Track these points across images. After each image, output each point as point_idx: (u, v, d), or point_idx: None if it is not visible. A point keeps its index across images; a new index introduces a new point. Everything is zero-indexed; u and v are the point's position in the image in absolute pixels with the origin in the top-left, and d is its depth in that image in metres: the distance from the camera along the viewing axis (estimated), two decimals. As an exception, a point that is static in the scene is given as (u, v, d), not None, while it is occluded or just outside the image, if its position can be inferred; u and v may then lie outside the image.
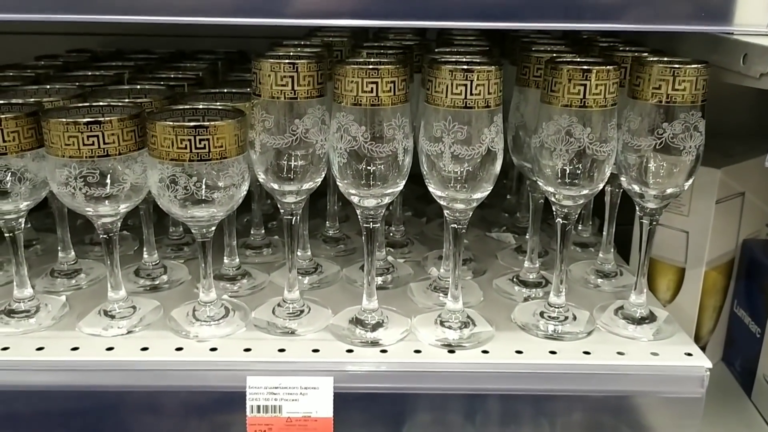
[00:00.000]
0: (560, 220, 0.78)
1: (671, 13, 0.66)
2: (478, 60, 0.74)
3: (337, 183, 0.74)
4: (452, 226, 0.76)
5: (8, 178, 0.74)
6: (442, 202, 0.74)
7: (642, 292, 0.82)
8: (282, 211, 0.79)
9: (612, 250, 0.97)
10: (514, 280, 0.92)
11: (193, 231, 0.76)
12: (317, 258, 0.98)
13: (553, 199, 0.77)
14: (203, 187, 0.70)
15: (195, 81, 0.95)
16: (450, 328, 0.79)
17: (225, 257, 0.93)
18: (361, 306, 0.80)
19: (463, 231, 0.76)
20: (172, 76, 0.97)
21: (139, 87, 0.87)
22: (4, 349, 0.75)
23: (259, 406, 0.73)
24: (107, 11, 0.65)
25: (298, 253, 0.93)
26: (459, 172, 0.70)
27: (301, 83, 0.70)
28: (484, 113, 0.68)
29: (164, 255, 0.99)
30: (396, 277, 0.94)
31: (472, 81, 0.67)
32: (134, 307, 0.82)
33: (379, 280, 0.91)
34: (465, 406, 0.76)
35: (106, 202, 0.73)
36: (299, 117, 0.71)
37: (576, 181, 0.74)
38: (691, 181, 0.76)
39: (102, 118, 0.71)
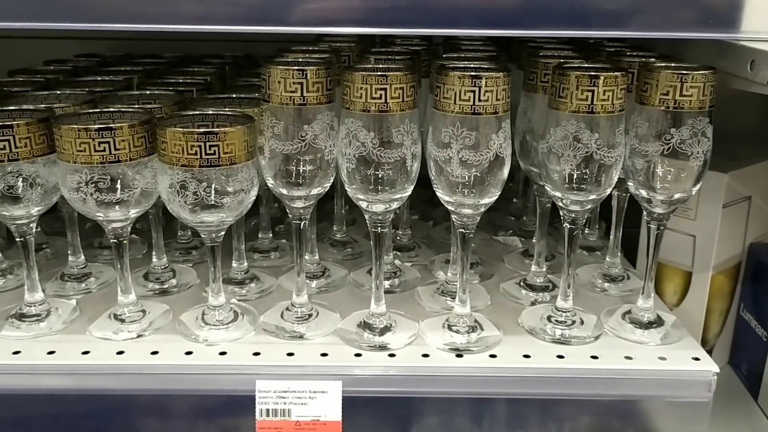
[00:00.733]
0: (567, 224, 0.78)
1: (679, 20, 0.66)
2: (486, 66, 0.75)
3: (346, 188, 0.74)
4: (460, 230, 0.76)
5: (20, 184, 0.74)
6: (450, 207, 0.75)
7: (649, 297, 0.82)
8: (290, 215, 0.79)
9: (619, 254, 0.97)
10: (521, 283, 0.93)
11: (202, 236, 0.76)
12: (325, 261, 0.98)
13: (560, 204, 0.77)
14: (213, 192, 0.71)
15: (203, 86, 0.95)
16: (458, 332, 0.79)
17: (233, 261, 0.93)
18: (369, 310, 0.81)
19: (471, 235, 0.77)
20: (181, 80, 0.98)
21: (148, 92, 0.88)
22: (16, 353, 0.76)
23: (268, 410, 0.73)
24: (116, 20, 0.65)
25: (306, 257, 0.94)
26: (467, 178, 0.70)
27: (310, 89, 0.71)
28: (492, 119, 0.69)
29: (173, 259, 0.99)
30: (403, 281, 0.94)
31: (480, 87, 0.67)
32: (144, 311, 0.83)
33: (387, 283, 0.92)
34: (473, 410, 0.76)
35: (117, 207, 0.74)
36: (308, 123, 0.72)
37: (583, 186, 0.74)
38: (698, 186, 0.76)
39: (113, 125, 0.71)
